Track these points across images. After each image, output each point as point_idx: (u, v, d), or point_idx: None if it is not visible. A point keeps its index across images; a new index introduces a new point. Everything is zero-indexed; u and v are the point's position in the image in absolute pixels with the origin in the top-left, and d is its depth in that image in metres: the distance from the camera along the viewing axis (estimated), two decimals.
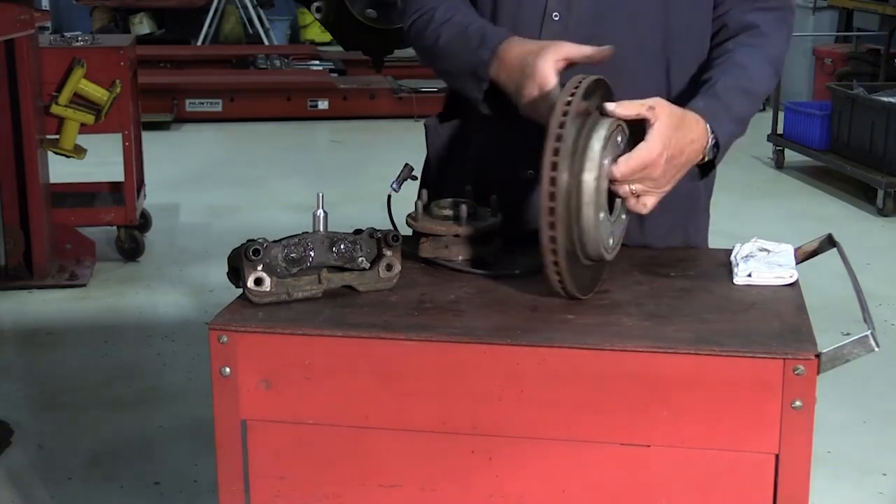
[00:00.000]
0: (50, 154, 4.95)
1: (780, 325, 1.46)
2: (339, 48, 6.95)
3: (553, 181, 1.44)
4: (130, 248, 5.18)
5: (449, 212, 1.73)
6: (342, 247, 1.57)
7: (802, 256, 1.77)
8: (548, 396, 1.40)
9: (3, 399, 3.70)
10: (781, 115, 7.21)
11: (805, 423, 1.36)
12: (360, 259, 1.58)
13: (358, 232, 1.59)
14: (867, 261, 5.07)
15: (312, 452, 1.48)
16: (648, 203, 1.58)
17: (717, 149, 1.67)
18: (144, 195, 5.47)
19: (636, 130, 1.56)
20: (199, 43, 10.72)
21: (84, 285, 4.81)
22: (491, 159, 1.88)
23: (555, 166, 1.45)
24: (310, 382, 1.45)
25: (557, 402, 1.40)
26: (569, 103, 1.47)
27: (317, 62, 9.73)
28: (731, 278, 1.65)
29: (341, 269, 1.58)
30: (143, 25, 10.86)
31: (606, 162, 1.50)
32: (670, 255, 1.79)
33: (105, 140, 5.24)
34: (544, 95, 1.63)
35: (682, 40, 1.81)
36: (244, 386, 1.46)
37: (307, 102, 8.66)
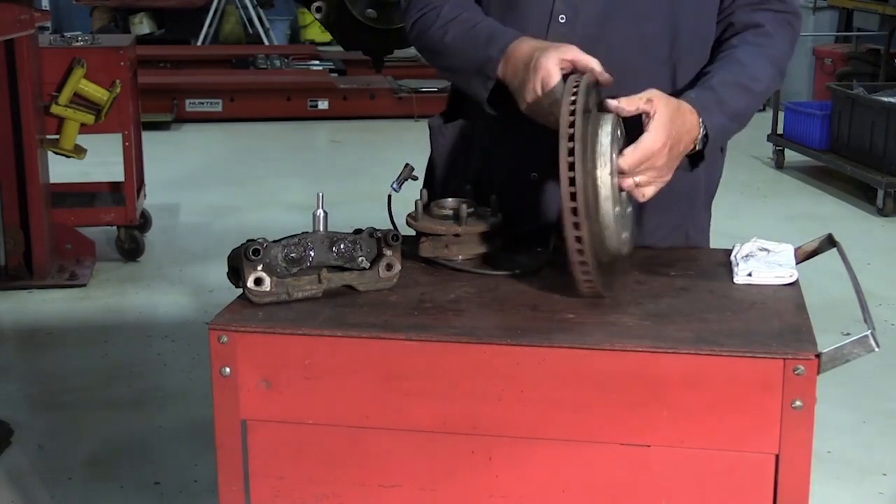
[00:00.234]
0: (50, 154, 4.95)
1: (780, 325, 1.46)
2: (339, 48, 6.94)
3: (572, 181, 1.45)
4: (130, 248, 5.18)
5: (449, 211, 1.73)
6: (342, 247, 1.57)
7: (802, 256, 1.77)
8: (548, 396, 1.40)
9: (3, 399, 3.70)
10: (781, 115, 7.21)
11: (805, 423, 1.36)
12: (360, 259, 1.58)
13: (358, 232, 1.59)
14: (867, 261, 5.07)
15: (312, 452, 1.48)
16: (648, 193, 1.60)
17: (707, 140, 1.68)
18: (144, 195, 5.47)
19: (632, 124, 1.57)
20: (199, 43, 10.72)
21: (84, 285, 4.81)
22: (495, 160, 1.88)
23: (572, 166, 1.46)
24: (310, 382, 1.45)
25: (557, 402, 1.40)
26: (574, 101, 1.48)
27: (317, 62, 9.73)
28: (731, 278, 1.65)
29: (341, 269, 1.58)
30: (143, 25, 10.86)
31: (615, 156, 1.52)
32: (670, 255, 1.79)
33: (105, 140, 5.24)
34: (547, 92, 1.64)
35: (688, 44, 1.82)
36: (244, 386, 1.46)
37: (307, 102, 8.66)
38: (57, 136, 4.94)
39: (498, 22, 1.82)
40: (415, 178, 1.83)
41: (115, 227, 5.19)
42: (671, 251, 1.83)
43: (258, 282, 1.50)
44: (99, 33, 7.80)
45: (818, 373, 1.36)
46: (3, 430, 3.37)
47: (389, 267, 1.59)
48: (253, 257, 1.49)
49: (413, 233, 1.74)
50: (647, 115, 1.58)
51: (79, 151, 5.06)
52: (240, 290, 1.53)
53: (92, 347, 4.17)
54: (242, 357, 1.45)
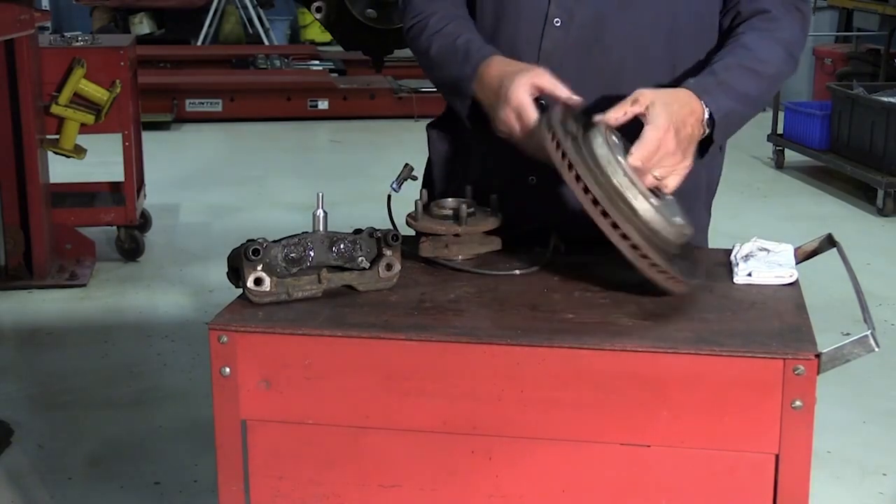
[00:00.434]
0: (50, 154, 4.95)
1: (780, 324, 1.46)
2: (339, 48, 6.94)
3: (595, 202, 1.47)
4: (130, 248, 5.18)
5: (449, 211, 1.73)
6: (342, 247, 1.57)
7: (802, 256, 1.77)
8: (548, 396, 1.40)
9: (3, 399, 3.70)
10: (781, 115, 7.21)
11: (805, 423, 1.36)
12: (359, 259, 1.58)
13: (358, 232, 1.59)
14: (867, 261, 5.07)
15: (312, 452, 1.48)
16: (672, 183, 1.59)
17: (713, 124, 1.67)
18: (144, 195, 5.47)
19: (634, 131, 1.57)
20: (199, 43, 10.72)
21: (84, 285, 4.81)
22: (492, 165, 1.89)
23: (586, 189, 1.47)
24: (310, 382, 1.45)
25: (557, 402, 1.40)
26: (554, 136, 1.51)
27: (317, 62, 9.73)
28: (731, 278, 1.65)
29: (341, 269, 1.58)
30: (143, 25, 10.85)
31: (621, 158, 1.52)
32: None
33: (105, 140, 5.24)
34: (523, 124, 1.67)
35: (686, 43, 1.81)
36: (244, 386, 1.46)
37: (307, 102, 8.66)
38: (57, 136, 4.94)
39: (480, 33, 1.83)
40: (415, 178, 1.83)
41: (115, 227, 5.19)
42: None
43: (258, 282, 1.50)
44: (99, 33, 7.81)
45: (818, 373, 1.36)
46: (3, 430, 3.37)
47: (389, 267, 1.59)
48: (253, 257, 1.49)
49: (413, 233, 1.74)
50: (642, 113, 1.58)
51: (79, 151, 5.06)
52: (240, 290, 1.53)
53: (92, 347, 4.17)
54: (242, 357, 1.45)
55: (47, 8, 10.06)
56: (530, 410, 1.41)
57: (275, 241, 1.53)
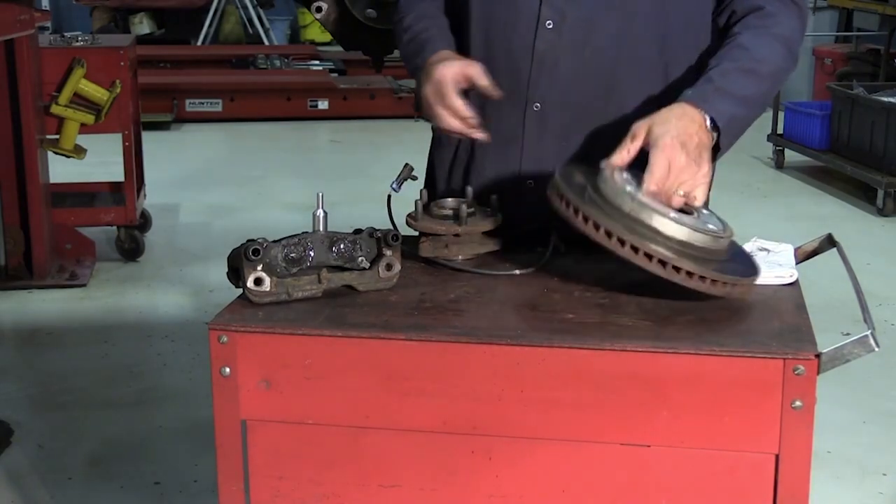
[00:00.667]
0: (50, 154, 4.95)
1: (780, 325, 1.46)
2: (339, 48, 6.94)
3: (609, 234, 1.47)
4: (130, 248, 5.18)
5: (449, 211, 1.73)
6: (342, 247, 1.57)
7: (802, 256, 1.77)
8: (548, 396, 1.40)
9: (3, 399, 3.70)
10: (781, 115, 7.21)
11: (805, 423, 1.36)
12: (359, 259, 1.58)
13: (358, 232, 1.59)
14: (867, 261, 5.07)
15: (312, 452, 1.48)
16: (699, 196, 1.58)
17: (719, 130, 1.66)
18: (144, 195, 5.47)
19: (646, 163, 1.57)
20: (199, 43, 10.72)
21: (84, 285, 4.81)
22: (492, 166, 1.89)
23: (597, 226, 1.47)
24: (310, 382, 1.45)
25: (557, 402, 1.40)
26: (559, 193, 1.53)
27: (317, 62, 9.73)
28: None
29: (341, 269, 1.58)
30: (143, 25, 10.86)
31: (632, 189, 1.52)
32: None
33: (105, 140, 5.24)
34: (440, 100, 1.74)
35: (679, 43, 1.81)
36: (244, 386, 1.46)
37: (307, 102, 8.66)
38: (57, 136, 4.94)
39: (475, 38, 1.86)
40: (415, 178, 1.83)
41: (115, 227, 5.19)
42: None
43: (258, 282, 1.50)
44: (99, 33, 7.81)
45: (818, 373, 1.36)
46: (3, 430, 3.37)
47: (389, 267, 1.59)
48: (253, 257, 1.49)
49: (413, 233, 1.74)
50: (645, 142, 1.58)
51: (79, 151, 5.06)
52: (240, 290, 1.53)
53: (92, 347, 4.17)
54: (242, 357, 1.45)
55: (47, 8, 10.06)
56: (530, 410, 1.41)
57: (275, 241, 1.53)
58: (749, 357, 1.37)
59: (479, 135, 1.79)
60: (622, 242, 1.46)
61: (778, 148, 7.27)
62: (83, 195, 5.29)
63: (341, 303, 1.54)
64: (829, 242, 1.76)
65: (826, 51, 8.63)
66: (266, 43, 10.78)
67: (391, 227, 1.65)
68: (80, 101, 4.90)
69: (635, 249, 1.46)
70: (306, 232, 1.57)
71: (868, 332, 1.37)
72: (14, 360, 4.13)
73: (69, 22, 10.96)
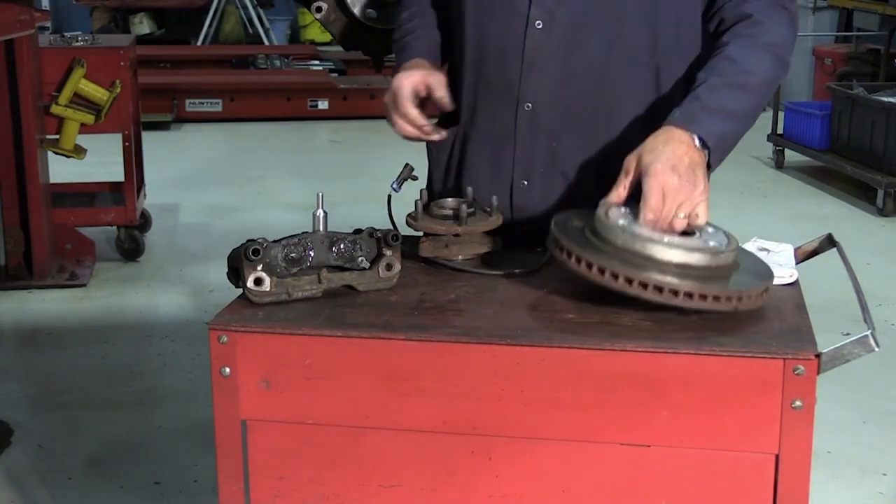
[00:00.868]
0: (50, 154, 4.95)
1: (780, 325, 1.46)
2: (339, 48, 6.94)
3: (602, 271, 1.46)
4: (130, 248, 5.18)
5: (449, 211, 1.73)
6: (342, 247, 1.57)
7: (802, 256, 1.77)
8: (548, 396, 1.40)
9: (3, 399, 3.70)
10: (781, 115, 7.21)
11: (805, 423, 1.36)
12: (360, 259, 1.58)
13: (358, 232, 1.59)
14: (867, 261, 5.07)
15: (312, 452, 1.48)
16: (701, 214, 1.57)
17: (708, 147, 1.64)
18: (144, 195, 5.47)
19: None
20: (199, 43, 10.72)
21: (84, 285, 4.81)
22: (485, 165, 1.89)
23: (590, 265, 1.47)
24: (310, 382, 1.45)
25: (557, 402, 1.40)
26: (556, 241, 1.53)
27: (317, 62, 9.73)
28: None
29: (341, 269, 1.58)
30: (143, 25, 10.86)
31: (624, 222, 1.52)
32: None
33: (105, 140, 5.23)
34: (395, 107, 1.84)
35: (670, 45, 1.79)
36: (244, 386, 1.46)
37: (307, 102, 8.66)
38: (57, 136, 4.94)
39: (469, 37, 1.87)
40: (415, 178, 1.83)
41: (115, 227, 5.19)
42: None
43: (258, 282, 1.50)
44: (99, 33, 7.81)
45: (818, 373, 1.36)
46: (3, 430, 3.37)
47: (389, 267, 1.60)
48: (253, 257, 1.49)
49: (413, 233, 1.74)
50: (637, 172, 1.58)
51: (79, 151, 5.06)
52: (240, 290, 1.53)
53: (92, 347, 4.17)
54: (242, 357, 1.45)
55: (47, 8, 10.06)
56: (530, 410, 1.41)
57: (275, 241, 1.53)
58: (749, 357, 1.37)
59: (435, 137, 1.84)
60: (616, 277, 1.45)
61: (778, 148, 7.27)
62: (83, 195, 5.29)
63: (341, 303, 1.54)
64: (829, 242, 1.76)
65: (826, 51, 8.63)
66: (266, 43, 10.78)
67: (391, 227, 1.65)
68: (80, 101, 4.90)
69: (629, 281, 1.44)
70: (306, 232, 1.57)
71: (868, 332, 1.37)
72: (14, 360, 4.13)
73: (69, 22, 10.96)
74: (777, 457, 1.38)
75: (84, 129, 4.95)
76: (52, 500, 3.07)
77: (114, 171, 5.27)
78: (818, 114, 6.85)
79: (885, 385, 3.85)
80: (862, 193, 6.46)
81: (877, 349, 1.37)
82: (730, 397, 1.37)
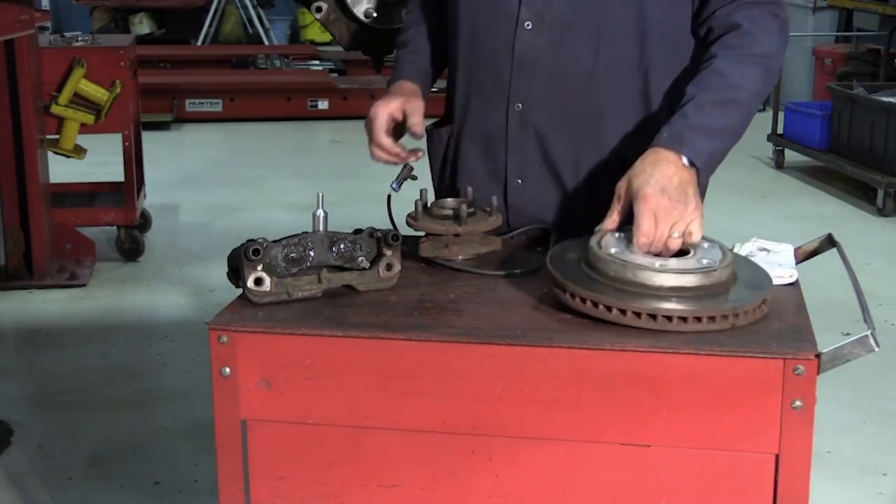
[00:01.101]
0: (50, 154, 4.95)
1: (780, 325, 1.46)
2: (339, 48, 6.95)
3: (595, 304, 1.45)
4: (130, 248, 5.18)
5: (449, 211, 1.73)
6: (342, 247, 1.57)
7: (802, 256, 1.77)
8: (548, 396, 1.40)
9: (3, 399, 3.70)
10: (781, 115, 7.21)
11: (805, 423, 1.36)
12: (360, 259, 1.58)
13: (358, 232, 1.59)
14: (867, 261, 5.07)
15: (312, 452, 1.48)
16: (696, 231, 1.56)
17: (697, 167, 1.63)
18: (144, 195, 5.47)
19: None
20: (199, 43, 10.72)
21: (84, 285, 4.81)
22: (479, 166, 1.90)
23: (584, 300, 1.46)
24: (310, 382, 1.45)
25: (557, 402, 1.40)
26: (552, 277, 1.52)
27: (317, 62, 9.73)
28: None
29: (341, 269, 1.58)
30: (143, 25, 10.86)
31: (614, 250, 1.51)
32: None
33: (105, 140, 5.24)
34: (370, 134, 1.88)
35: (658, 48, 1.78)
36: (244, 386, 1.46)
37: (307, 102, 8.66)
38: (57, 136, 4.94)
39: (462, 39, 1.88)
40: (414, 178, 1.83)
41: (115, 227, 5.19)
42: None
43: (258, 282, 1.50)
44: (99, 33, 7.80)
45: (818, 373, 1.36)
46: (3, 430, 3.37)
47: (389, 267, 1.60)
48: (253, 257, 1.49)
49: (413, 233, 1.74)
50: (629, 196, 1.58)
51: (79, 151, 5.06)
52: (240, 290, 1.53)
53: (92, 347, 4.17)
54: (242, 357, 1.45)
55: (47, 8, 10.06)
56: (530, 410, 1.41)
57: (275, 241, 1.53)
58: (749, 357, 1.37)
59: (412, 158, 1.85)
60: (609, 309, 1.44)
61: (778, 148, 7.27)
62: (83, 195, 5.29)
63: (341, 303, 1.54)
64: (829, 242, 1.76)
65: (826, 51, 8.63)
66: (266, 43, 10.78)
67: (391, 227, 1.65)
68: (80, 101, 4.90)
69: (623, 312, 1.44)
70: (306, 232, 1.57)
71: (868, 332, 1.37)
72: (14, 360, 4.13)
73: (69, 22, 10.96)
74: (777, 457, 1.38)
75: (84, 129, 4.95)
76: (52, 500, 3.07)
77: (114, 171, 5.27)
78: (818, 114, 6.85)
79: (885, 385, 3.85)
80: (862, 193, 6.46)
81: (877, 349, 1.37)
82: (730, 397, 1.37)
